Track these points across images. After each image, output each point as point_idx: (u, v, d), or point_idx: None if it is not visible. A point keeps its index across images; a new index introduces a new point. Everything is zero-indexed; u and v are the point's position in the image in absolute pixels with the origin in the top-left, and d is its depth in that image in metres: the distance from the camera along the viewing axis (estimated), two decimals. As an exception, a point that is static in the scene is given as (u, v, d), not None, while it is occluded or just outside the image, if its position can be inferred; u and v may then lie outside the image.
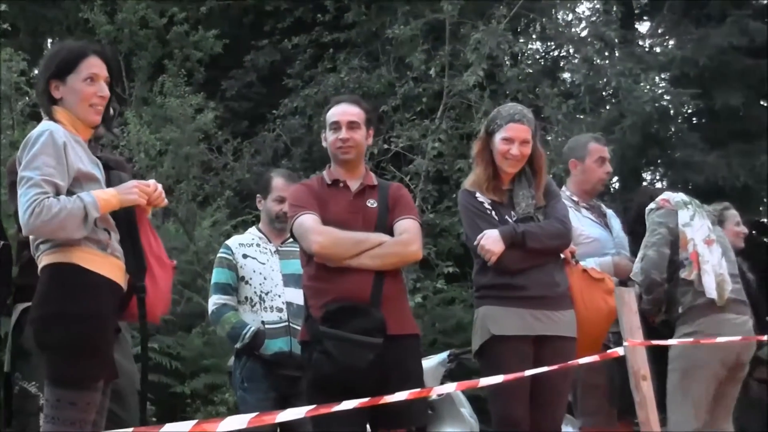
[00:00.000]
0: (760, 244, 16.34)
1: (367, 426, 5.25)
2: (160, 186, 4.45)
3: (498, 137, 5.42)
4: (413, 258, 5.32)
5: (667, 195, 6.26)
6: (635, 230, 6.33)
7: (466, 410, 8.19)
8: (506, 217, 5.40)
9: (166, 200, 4.51)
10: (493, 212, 5.41)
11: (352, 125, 5.28)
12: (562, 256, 5.53)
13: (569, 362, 5.02)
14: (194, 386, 9.94)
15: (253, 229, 6.56)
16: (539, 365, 5.00)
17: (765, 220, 17.08)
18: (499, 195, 5.46)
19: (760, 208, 16.19)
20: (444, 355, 8.47)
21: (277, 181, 6.38)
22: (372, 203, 5.25)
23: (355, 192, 5.27)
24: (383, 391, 4.37)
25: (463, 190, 5.56)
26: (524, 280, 5.30)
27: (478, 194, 5.46)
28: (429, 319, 11.85)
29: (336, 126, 5.29)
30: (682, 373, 5.90)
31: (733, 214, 7.30)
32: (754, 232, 16.59)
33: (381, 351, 4.94)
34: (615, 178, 15.69)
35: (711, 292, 5.89)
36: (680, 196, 6.21)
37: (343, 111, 5.32)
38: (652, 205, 6.22)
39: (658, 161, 16.16)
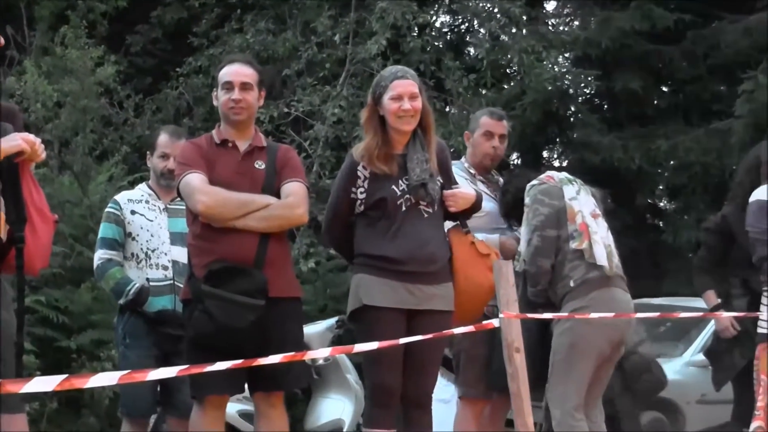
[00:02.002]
0: (654, 226, 16.65)
1: (246, 387, 5.27)
2: (39, 140, 4.39)
3: (386, 98, 5.31)
4: (298, 221, 5.36)
5: (551, 173, 6.21)
6: (511, 214, 6.31)
7: (351, 376, 8.24)
8: (393, 187, 5.30)
9: (44, 155, 4.46)
10: (367, 183, 5.34)
11: (244, 86, 5.26)
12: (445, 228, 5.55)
13: (444, 331, 5.04)
14: (81, 341, 9.83)
15: (143, 185, 6.49)
16: (412, 336, 4.99)
17: (661, 204, 17.39)
18: (389, 164, 5.34)
19: (654, 192, 16.48)
20: (332, 320, 8.48)
21: (162, 138, 6.31)
22: (260, 165, 5.24)
23: (243, 153, 5.26)
24: (263, 353, 4.37)
25: (350, 156, 5.47)
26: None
27: (360, 167, 5.36)
28: (321, 285, 11.86)
29: (228, 86, 5.26)
30: (568, 348, 5.86)
31: None
32: (648, 215, 16.92)
33: (262, 313, 4.96)
34: (514, 155, 15.86)
35: (602, 260, 5.87)
36: (564, 174, 6.17)
37: (236, 71, 5.29)
38: (534, 182, 6.14)
39: (557, 140, 16.36)
